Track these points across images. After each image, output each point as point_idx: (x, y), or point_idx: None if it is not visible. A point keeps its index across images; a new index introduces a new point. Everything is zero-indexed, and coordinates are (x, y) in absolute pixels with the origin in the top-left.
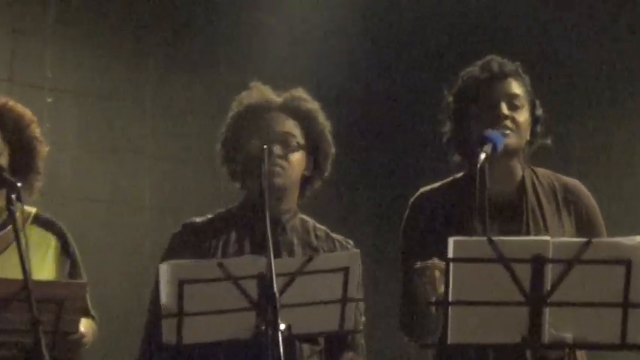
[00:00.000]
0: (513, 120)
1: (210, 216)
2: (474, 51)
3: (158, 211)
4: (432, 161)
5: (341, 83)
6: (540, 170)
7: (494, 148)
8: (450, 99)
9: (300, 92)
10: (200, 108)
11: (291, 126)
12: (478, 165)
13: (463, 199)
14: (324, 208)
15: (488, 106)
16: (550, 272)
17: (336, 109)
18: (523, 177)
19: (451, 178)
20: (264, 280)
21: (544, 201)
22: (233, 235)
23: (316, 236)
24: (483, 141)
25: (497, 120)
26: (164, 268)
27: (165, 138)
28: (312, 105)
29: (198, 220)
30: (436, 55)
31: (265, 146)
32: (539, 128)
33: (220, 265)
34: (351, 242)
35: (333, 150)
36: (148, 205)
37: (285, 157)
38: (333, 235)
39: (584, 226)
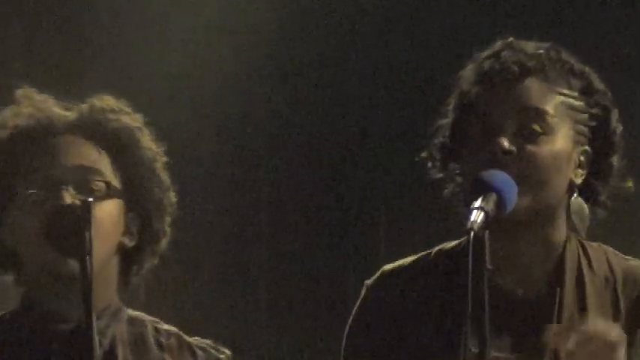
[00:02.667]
0: (523, 157)
1: None
2: None
3: None
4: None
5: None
6: (596, 248)
7: (501, 204)
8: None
9: (109, 102)
10: None
11: (93, 156)
12: (470, 234)
13: (450, 289)
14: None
15: (482, 131)
16: None
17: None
18: (562, 256)
19: (436, 249)
20: None
21: (592, 302)
22: None
23: (160, 346)
24: (479, 189)
25: (490, 159)
26: None
27: None
28: (130, 121)
29: None
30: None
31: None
32: (609, 166)
33: None
34: (225, 351)
35: (171, 196)
36: None
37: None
38: (192, 340)
39: None
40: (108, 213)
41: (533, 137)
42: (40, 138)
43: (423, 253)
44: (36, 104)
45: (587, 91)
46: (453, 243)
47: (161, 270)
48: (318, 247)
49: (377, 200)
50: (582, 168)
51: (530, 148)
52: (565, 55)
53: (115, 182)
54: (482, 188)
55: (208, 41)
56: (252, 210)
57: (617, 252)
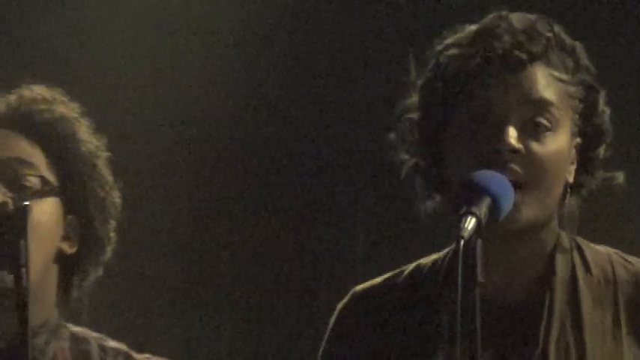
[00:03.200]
0: (529, 158)
1: None
2: None
3: None
4: None
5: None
6: (593, 248)
7: (496, 208)
8: (415, 99)
9: (40, 91)
10: None
11: (25, 149)
12: (460, 241)
13: (429, 306)
14: None
15: (480, 125)
16: None
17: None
18: (552, 259)
19: (413, 265)
20: None
21: (588, 314)
22: None
23: None
24: (470, 192)
25: (492, 157)
26: None
27: None
28: (65, 110)
29: None
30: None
31: None
32: (597, 157)
33: None
34: None
35: (115, 196)
36: None
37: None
38: (142, 357)
39: None
40: (45, 213)
41: (539, 133)
42: None
43: (396, 270)
44: None
45: (576, 69)
46: (434, 256)
47: (107, 281)
48: (284, 261)
49: (354, 219)
50: (573, 163)
51: (535, 147)
52: (557, 29)
53: (51, 178)
54: (475, 191)
55: (142, 35)
56: (215, 220)
57: (625, 255)
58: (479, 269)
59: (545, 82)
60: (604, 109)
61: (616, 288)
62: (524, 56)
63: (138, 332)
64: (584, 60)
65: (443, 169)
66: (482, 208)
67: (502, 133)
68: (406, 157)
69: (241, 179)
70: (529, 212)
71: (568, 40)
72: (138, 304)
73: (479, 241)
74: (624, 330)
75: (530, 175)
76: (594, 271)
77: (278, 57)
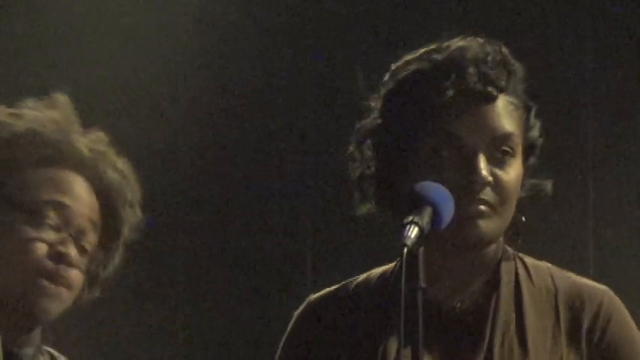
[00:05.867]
0: (496, 186)
1: None
2: None
3: None
4: None
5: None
6: (536, 263)
7: (437, 217)
8: (376, 119)
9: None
10: None
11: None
12: (404, 250)
13: (381, 312)
14: None
15: (450, 155)
16: None
17: None
18: (497, 268)
19: (365, 275)
20: None
21: (531, 319)
22: None
23: None
24: (413, 203)
25: (464, 187)
26: None
27: None
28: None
29: None
30: None
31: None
32: (530, 167)
33: None
34: None
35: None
36: None
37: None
38: None
39: None
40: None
41: (504, 162)
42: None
43: (350, 279)
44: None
45: (522, 92)
46: (385, 267)
47: None
48: (239, 274)
49: (303, 232)
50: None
51: (501, 175)
52: (505, 51)
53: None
54: (417, 201)
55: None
56: (167, 226)
57: (561, 269)
58: (421, 275)
59: (507, 113)
60: (535, 122)
61: (557, 297)
62: (494, 91)
63: (92, 335)
64: (523, 79)
65: (398, 184)
66: (425, 218)
67: (474, 166)
68: (361, 169)
69: (194, 186)
70: (494, 231)
71: (516, 64)
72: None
73: (421, 249)
74: (564, 337)
75: (498, 201)
76: (536, 280)
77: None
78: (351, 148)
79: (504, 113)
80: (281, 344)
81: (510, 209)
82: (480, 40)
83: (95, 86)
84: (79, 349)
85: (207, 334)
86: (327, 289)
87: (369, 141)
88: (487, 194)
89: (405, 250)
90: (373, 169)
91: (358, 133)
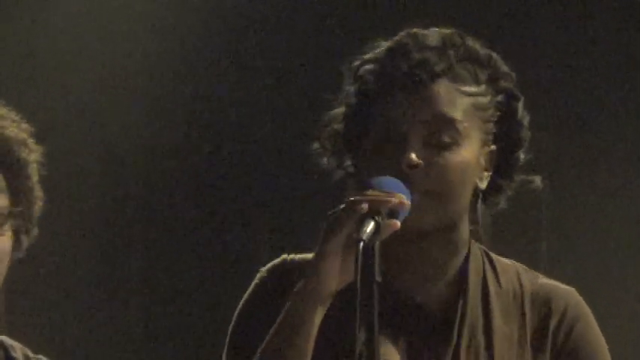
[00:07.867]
0: (431, 171)
1: None
2: None
3: None
4: None
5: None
6: (503, 262)
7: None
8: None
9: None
10: None
11: None
12: (360, 244)
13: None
14: None
15: (385, 142)
16: None
17: None
18: (465, 265)
19: None
20: None
21: (497, 320)
22: None
23: None
24: None
25: (395, 172)
26: None
27: None
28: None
29: None
30: None
31: None
32: (515, 161)
33: None
34: None
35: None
36: None
37: None
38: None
39: None
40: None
41: (442, 148)
42: None
43: None
44: None
45: (492, 78)
46: None
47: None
48: (195, 255)
49: (259, 209)
50: (488, 170)
51: (438, 160)
52: (470, 42)
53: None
54: None
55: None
56: (126, 217)
57: (529, 269)
58: (376, 268)
59: (449, 99)
60: (523, 115)
61: (523, 299)
62: (424, 75)
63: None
64: (502, 68)
65: (359, 173)
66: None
67: (401, 150)
68: (327, 162)
69: (151, 180)
70: (431, 216)
71: (482, 51)
72: (49, 298)
73: (377, 243)
74: (529, 340)
75: (431, 184)
76: (503, 281)
77: None
78: (319, 137)
79: (444, 98)
80: (244, 297)
81: (454, 197)
82: (444, 30)
83: (90, 85)
84: (38, 344)
85: (162, 325)
86: (305, 255)
87: (330, 129)
88: (416, 177)
89: (361, 245)
90: (337, 157)
91: (323, 121)
